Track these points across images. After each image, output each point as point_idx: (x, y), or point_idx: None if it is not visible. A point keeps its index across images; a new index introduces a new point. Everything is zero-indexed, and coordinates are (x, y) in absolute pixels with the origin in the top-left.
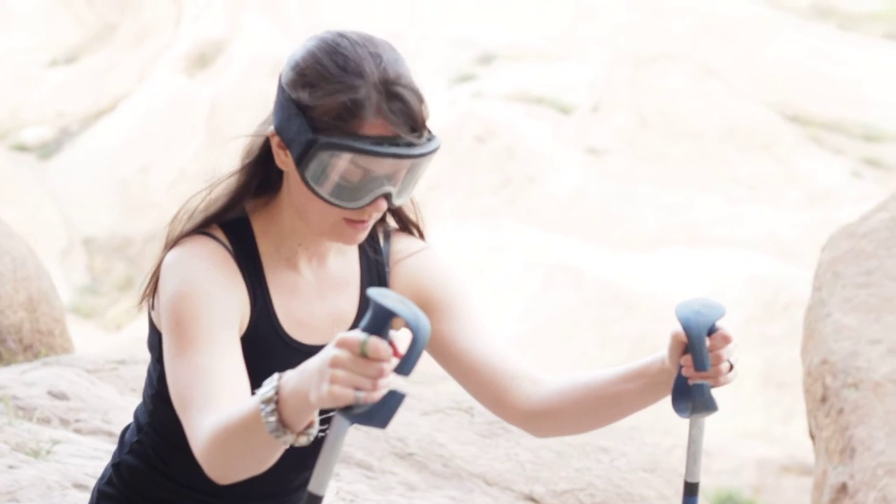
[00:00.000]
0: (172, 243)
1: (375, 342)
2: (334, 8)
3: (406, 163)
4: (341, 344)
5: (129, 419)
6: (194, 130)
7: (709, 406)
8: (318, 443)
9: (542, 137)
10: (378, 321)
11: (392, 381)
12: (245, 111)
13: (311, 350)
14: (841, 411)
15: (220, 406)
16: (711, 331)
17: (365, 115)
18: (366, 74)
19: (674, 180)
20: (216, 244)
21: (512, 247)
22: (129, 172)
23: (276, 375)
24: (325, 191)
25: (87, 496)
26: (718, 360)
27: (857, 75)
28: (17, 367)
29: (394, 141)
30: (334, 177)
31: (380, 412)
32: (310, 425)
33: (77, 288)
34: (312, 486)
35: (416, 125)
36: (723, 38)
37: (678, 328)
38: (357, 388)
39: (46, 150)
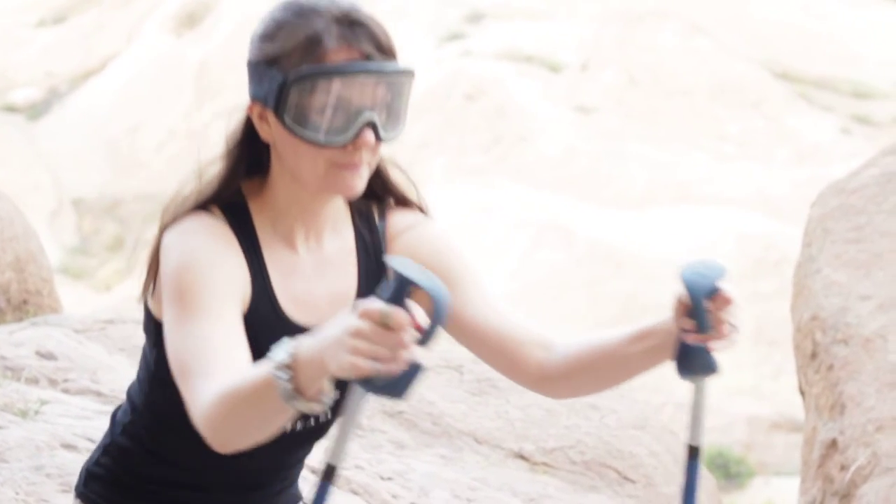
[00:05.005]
0: (167, 226)
1: (398, 313)
2: None
3: (381, 85)
4: (363, 314)
5: (118, 378)
6: (183, 90)
7: (709, 368)
8: (314, 423)
9: (532, 96)
10: (399, 291)
11: (413, 353)
12: (233, 71)
13: (310, 330)
14: (831, 367)
15: (223, 373)
16: (714, 292)
17: (327, 44)
18: (321, 11)
19: (663, 138)
20: (214, 219)
21: (502, 205)
22: (117, 133)
23: (286, 341)
24: (308, 131)
25: (75, 456)
26: (720, 321)
27: (847, 32)
28: (4, 327)
29: (362, 62)
30: (313, 114)
31: (400, 384)
32: (321, 391)
33: (67, 248)
34: (330, 458)
35: (381, 47)
36: None
37: (682, 290)
38: (377, 360)
39: (35, 111)
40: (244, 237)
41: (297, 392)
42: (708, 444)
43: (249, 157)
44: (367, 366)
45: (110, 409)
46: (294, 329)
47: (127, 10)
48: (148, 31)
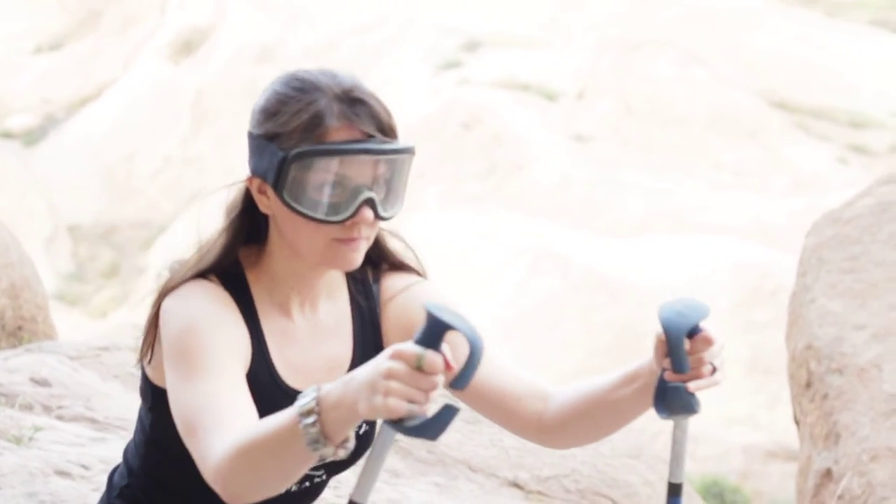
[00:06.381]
0: (167, 293)
1: (432, 356)
2: None
3: (380, 164)
4: (397, 356)
5: (112, 406)
6: (179, 118)
7: (687, 408)
8: (308, 484)
9: (528, 124)
10: (433, 335)
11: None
12: (230, 98)
13: None
14: (825, 397)
15: (233, 427)
16: (694, 332)
17: (328, 122)
18: (323, 88)
19: (659, 167)
20: (215, 286)
21: (498, 233)
22: (114, 159)
23: (312, 388)
24: (307, 208)
25: (69, 483)
26: (700, 363)
27: (843, 62)
28: None
29: (362, 141)
30: (313, 191)
31: (433, 425)
32: (346, 439)
33: (62, 275)
34: (355, 495)
35: (382, 126)
36: (709, 24)
37: (661, 329)
38: (412, 401)
39: (31, 138)
40: (242, 304)
41: (324, 437)
42: (703, 472)
43: (248, 227)
44: (401, 407)
45: (104, 435)
46: (290, 395)
47: (124, 37)
48: (145, 59)
